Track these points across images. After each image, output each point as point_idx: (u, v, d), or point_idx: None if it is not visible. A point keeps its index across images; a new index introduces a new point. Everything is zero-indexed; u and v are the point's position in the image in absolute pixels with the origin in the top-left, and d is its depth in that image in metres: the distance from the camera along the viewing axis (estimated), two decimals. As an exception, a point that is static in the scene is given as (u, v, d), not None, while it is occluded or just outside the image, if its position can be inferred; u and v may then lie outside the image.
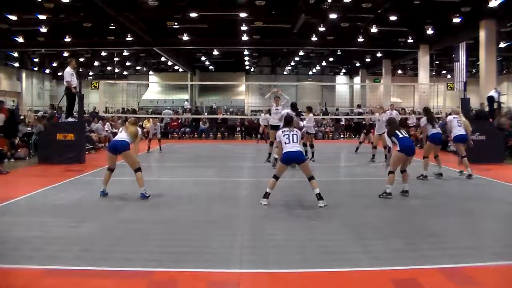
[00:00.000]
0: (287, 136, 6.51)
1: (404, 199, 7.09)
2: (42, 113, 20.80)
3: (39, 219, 5.57)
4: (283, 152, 6.50)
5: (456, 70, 20.97)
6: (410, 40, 22.87)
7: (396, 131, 7.20)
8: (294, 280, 3.75)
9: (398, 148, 7.09)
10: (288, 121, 6.89)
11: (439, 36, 21.36)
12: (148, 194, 6.87)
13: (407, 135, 7.39)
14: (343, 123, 23.73)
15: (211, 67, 37.30)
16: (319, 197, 6.26)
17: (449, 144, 14.41)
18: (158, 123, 15.71)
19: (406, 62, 33.08)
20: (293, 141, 6.44)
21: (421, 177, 8.75)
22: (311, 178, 6.38)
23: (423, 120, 9.22)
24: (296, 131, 6.71)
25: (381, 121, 11.99)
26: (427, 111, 9.40)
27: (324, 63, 35.96)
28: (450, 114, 10.67)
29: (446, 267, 3.92)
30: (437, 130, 8.93)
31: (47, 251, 4.34)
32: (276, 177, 6.50)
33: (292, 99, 12.91)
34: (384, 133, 11.89)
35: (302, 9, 17.88)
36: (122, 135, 7.10)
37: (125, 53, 31.80)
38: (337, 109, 30.89)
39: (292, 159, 6.44)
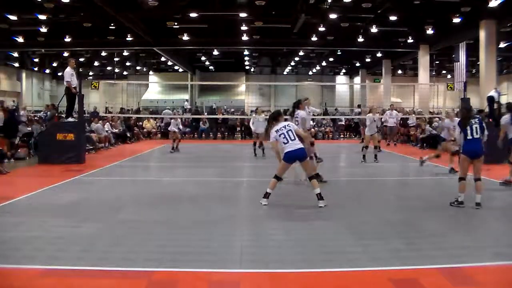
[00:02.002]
0: (283, 135, 6.32)
1: (404, 199, 7.10)
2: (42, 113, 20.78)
3: (39, 219, 5.57)
4: (284, 152, 6.34)
5: (456, 70, 20.96)
6: (410, 40, 22.85)
7: (467, 128, 6.30)
8: (294, 280, 3.75)
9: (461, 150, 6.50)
10: (275, 116, 6.66)
11: (439, 36, 21.35)
12: None
13: (477, 135, 6.29)
14: (343, 123, 23.72)
15: (211, 67, 37.28)
16: (319, 197, 6.23)
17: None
18: (179, 119, 15.56)
19: (406, 62, 33.05)
20: (291, 139, 6.28)
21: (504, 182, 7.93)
22: (312, 177, 6.36)
23: (507, 118, 8.03)
24: (289, 124, 6.46)
25: (376, 121, 12.22)
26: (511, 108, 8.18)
27: (324, 63, 35.93)
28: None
29: (446, 267, 3.91)
30: None
31: (47, 251, 4.34)
32: (277, 178, 6.44)
33: (292, 99, 13.13)
34: (375, 133, 12.11)
35: (302, 9, 17.86)
36: None
37: (125, 53, 31.77)
38: (336, 109, 30.88)
39: (295, 157, 6.34)
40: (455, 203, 6.35)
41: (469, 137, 6.30)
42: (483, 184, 6.37)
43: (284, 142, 6.32)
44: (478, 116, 6.50)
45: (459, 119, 7.19)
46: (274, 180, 6.43)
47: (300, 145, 6.34)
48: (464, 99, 12.28)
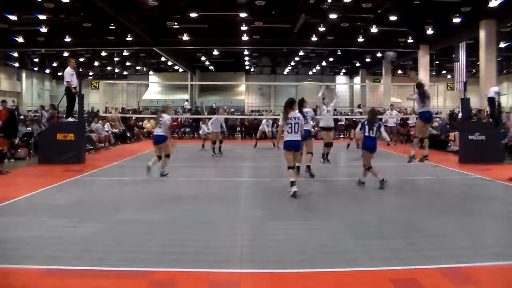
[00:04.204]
0: (290, 125, 6.99)
1: (404, 199, 7.10)
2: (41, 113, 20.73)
3: (39, 219, 5.57)
4: (284, 140, 7.09)
5: (456, 70, 20.96)
6: (410, 40, 22.86)
7: (367, 126, 7.74)
8: (294, 280, 3.75)
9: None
10: (290, 104, 7.17)
11: (439, 36, 21.36)
12: (166, 173, 8.94)
13: (373, 134, 7.70)
14: (343, 123, 23.69)
15: (211, 67, 37.30)
16: (292, 184, 6.88)
17: (449, 144, 14.46)
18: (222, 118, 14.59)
19: (406, 62, 33.08)
20: (294, 131, 6.99)
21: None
22: (294, 167, 7.08)
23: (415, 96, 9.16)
24: (299, 117, 7.11)
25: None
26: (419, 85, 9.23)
27: (324, 63, 35.95)
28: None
29: (446, 267, 3.92)
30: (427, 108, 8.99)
31: (47, 251, 4.34)
32: (290, 167, 7.05)
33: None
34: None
35: (302, 9, 17.89)
36: (157, 130, 9.04)
37: (125, 53, 31.78)
38: (335, 109, 30.78)
39: (292, 147, 7.04)
40: (358, 183, 7.93)
41: (367, 134, 7.73)
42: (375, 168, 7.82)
43: (288, 132, 7.03)
44: (379, 122, 8.03)
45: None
46: (290, 170, 7.05)
47: (298, 138, 7.07)
48: (464, 99, 12.28)
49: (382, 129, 7.94)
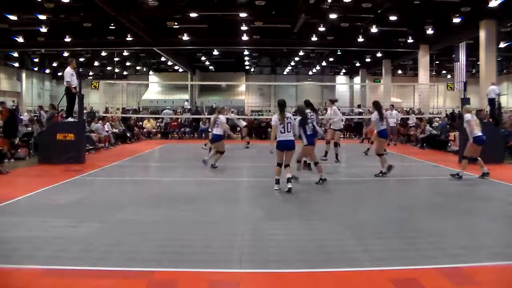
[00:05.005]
0: (283, 125, 7.27)
1: (404, 199, 7.10)
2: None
3: (39, 219, 5.57)
4: (278, 139, 7.32)
5: (456, 70, 20.97)
6: (410, 40, 22.87)
7: (306, 126, 7.90)
8: (294, 280, 3.75)
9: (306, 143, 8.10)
10: (281, 105, 7.48)
11: (439, 36, 21.36)
12: (217, 165, 9.86)
13: (311, 132, 7.99)
14: (343, 123, 23.63)
15: (211, 67, 37.30)
16: (288, 180, 7.15)
17: (449, 144, 14.46)
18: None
19: (406, 62, 33.09)
20: (287, 131, 7.30)
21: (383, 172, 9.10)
22: (287, 165, 7.31)
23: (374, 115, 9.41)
24: (291, 118, 7.43)
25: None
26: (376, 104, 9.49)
27: (324, 63, 35.95)
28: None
29: (446, 267, 3.92)
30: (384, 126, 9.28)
31: (47, 251, 4.34)
32: (279, 164, 7.37)
33: (292, 99, 13.32)
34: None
35: (302, 9, 17.89)
36: (216, 130, 9.99)
37: (125, 53, 31.78)
38: (338, 109, 30.79)
39: (286, 147, 7.31)
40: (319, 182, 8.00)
41: (308, 132, 7.89)
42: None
43: (281, 131, 7.31)
44: (312, 117, 8.39)
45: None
46: (278, 168, 7.39)
47: (292, 137, 7.35)
48: (464, 99, 12.28)
49: (315, 123, 8.42)
